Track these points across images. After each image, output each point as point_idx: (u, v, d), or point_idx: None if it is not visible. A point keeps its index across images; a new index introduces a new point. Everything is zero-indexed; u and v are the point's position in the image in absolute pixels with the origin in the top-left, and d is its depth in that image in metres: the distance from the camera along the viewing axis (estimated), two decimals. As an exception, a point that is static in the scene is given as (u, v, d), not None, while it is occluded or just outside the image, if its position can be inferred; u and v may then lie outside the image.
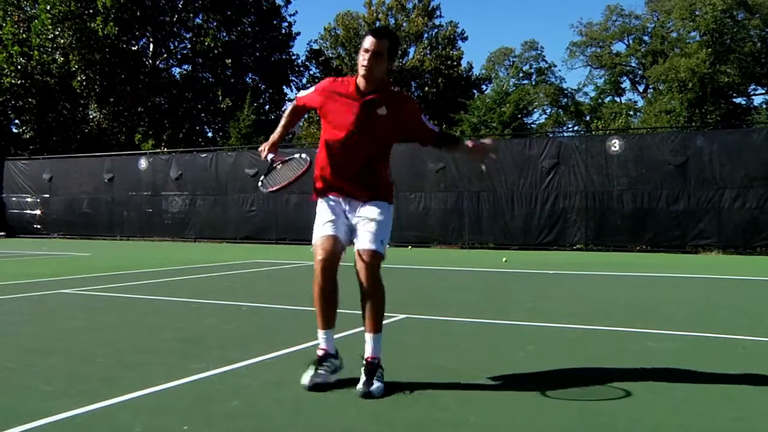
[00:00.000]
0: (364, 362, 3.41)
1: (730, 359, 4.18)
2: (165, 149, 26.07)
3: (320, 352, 3.54)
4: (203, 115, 33.90)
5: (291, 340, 4.67)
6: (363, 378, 3.36)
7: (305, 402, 3.25)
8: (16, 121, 31.12)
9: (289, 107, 3.87)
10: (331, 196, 3.57)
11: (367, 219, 3.47)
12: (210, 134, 34.37)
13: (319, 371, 3.46)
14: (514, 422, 2.98)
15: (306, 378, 3.44)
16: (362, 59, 3.40)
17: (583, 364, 4.05)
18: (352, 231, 3.53)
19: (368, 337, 3.46)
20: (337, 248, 3.46)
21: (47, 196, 22.10)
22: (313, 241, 3.52)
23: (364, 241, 3.43)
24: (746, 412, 3.10)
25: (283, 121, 3.85)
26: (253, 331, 5.25)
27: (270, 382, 3.65)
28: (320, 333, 3.58)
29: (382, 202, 3.53)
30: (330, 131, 3.54)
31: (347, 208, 3.54)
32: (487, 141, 3.70)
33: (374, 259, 3.40)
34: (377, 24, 39.41)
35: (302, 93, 3.76)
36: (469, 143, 3.65)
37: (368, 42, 3.38)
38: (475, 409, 3.13)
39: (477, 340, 4.80)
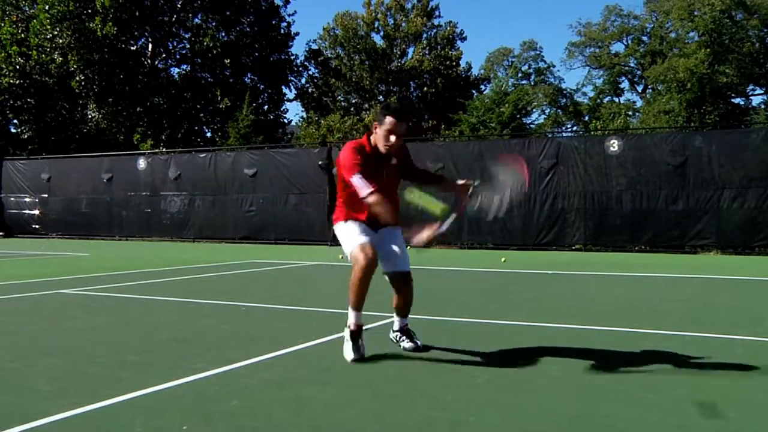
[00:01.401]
0: (400, 330, 4.35)
1: (730, 359, 4.18)
2: (164, 149, 26.05)
3: (355, 328, 4.08)
4: (202, 115, 33.88)
5: (290, 340, 4.67)
6: (406, 340, 4.30)
7: (305, 402, 3.26)
8: (15, 121, 31.09)
9: (371, 194, 4.00)
10: (358, 220, 4.19)
11: (393, 242, 4.22)
12: (209, 134, 34.36)
13: (361, 343, 4.08)
14: (514, 422, 2.98)
15: (350, 352, 4.03)
16: (386, 139, 4.04)
17: (582, 364, 4.05)
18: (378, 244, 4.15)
19: (399, 318, 4.36)
20: (374, 253, 4.01)
21: (46, 196, 22.08)
22: (354, 245, 4.02)
23: (402, 264, 4.22)
24: (746, 412, 3.10)
25: (382, 208, 4.05)
26: (253, 331, 5.25)
27: (270, 382, 3.65)
28: (354, 313, 4.09)
29: (399, 229, 4.29)
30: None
31: (371, 228, 4.21)
32: (464, 182, 4.49)
33: (411, 278, 4.28)
34: (376, 24, 39.42)
35: (360, 182, 4.00)
36: (450, 183, 4.53)
37: (393, 124, 4.01)
38: (475, 409, 3.13)
39: (477, 340, 4.80)
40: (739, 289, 8.23)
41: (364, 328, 4.20)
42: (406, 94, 38.19)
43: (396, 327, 4.39)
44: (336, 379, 3.57)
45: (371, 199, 3.93)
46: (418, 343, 4.32)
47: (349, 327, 4.11)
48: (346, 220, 4.22)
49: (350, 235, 4.11)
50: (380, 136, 4.05)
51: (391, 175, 4.26)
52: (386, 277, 4.26)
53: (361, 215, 4.18)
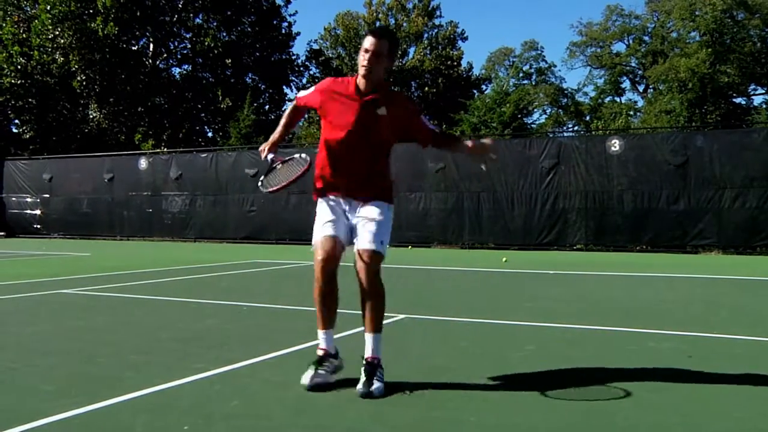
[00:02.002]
0: (364, 362, 3.42)
1: (730, 359, 4.18)
2: (165, 149, 26.07)
3: (320, 352, 3.55)
4: (203, 115, 33.89)
5: (291, 340, 4.67)
6: (363, 378, 3.36)
7: (305, 402, 3.26)
8: (16, 121, 31.11)
9: (289, 107, 3.88)
10: (331, 196, 3.57)
11: (367, 219, 3.47)
12: (210, 134, 34.37)
13: (319, 371, 3.47)
14: (514, 422, 2.98)
15: (306, 378, 3.45)
16: (362, 59, 3.41)
17: (582, 364, 4.05)
18: (352, 231, 3.52)
19: (368, 337, 3.46)
20: (337, 248, 3.47)
21: (47, 196, 22.09)
22: (314, 241, 3.52)
23: (364, 241, 3.43)
24: (746, 412, 3.10)
25: (283, 121, 3.86)
26: (253, 331, 5.25)
27: (270, 382, 3.65)
28: (320, 333, 3.59)
29: (382, 202, 3.53)
30: (330, 131, 3.54)
31: (347, 208, 3.55)
32: (486, 140, 3.69)
33: (374, 259, 3.41)
34: (377, 24, 39.41)
35: (302, 93, 3.77)
36: (469, 143, 3.64)
37: (368, 42, 3.39)
38: (475, 409, 3.13)
39: (477, 340, 4.80)
40: (740, 289, 8.23)
41: (334, 351, 3.56)
42: (407, 94, 38.17)
43: (365, 352, 3.46)
44: (336, 379, 3.57)
45: (292, 104, 3.66)
46: (374, 389, 3.31)
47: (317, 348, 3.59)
48: (318, 198, 3.64)
49: (315, 225, 3.57)
50: (358, 63, 3.46)
51: (374, 127, 3.48)
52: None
53: (334, 191, 3.56)
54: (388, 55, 3.44)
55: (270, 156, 3.73)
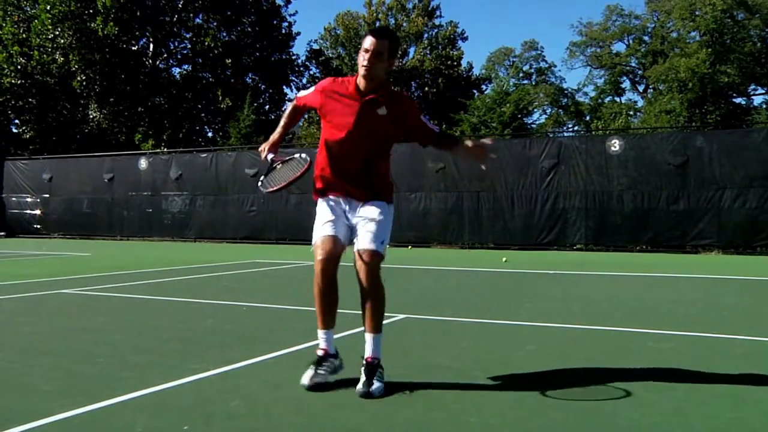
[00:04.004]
0: (364, 362, 3.42)
1: (730, 359, 4.18)
2: (165, 149, 26.09)
3: (320, 352, 3.54)
4: (203, 115, 33.90)
5: (291, 340, 4.67)
6: (363, 378, 3.36)
7: (305, 402, 3.25)
8: (16, 121, 31.14)
9: (289, 107, 3.88)
10: (331, 196, 3.58)
11: (366, 219, 3.48)
12: (210, 134, 34.38)
13: (319, 371, 3.47)
14: (514, 422, 2.98)
15: (306, 378, 3.45)
16: (362, 59, 3.41)
17: (583, 364, 4.05)
18: (352, 231, 3.52)
19: (368, 337, 3.46)
20: (336, 248, 3.46)
21: (47, 196, 22.09)
22: (313, 241, 3.52)
23: (363, 241, 3.43)
24: (746, 412, 3.10)
25: (282, 121, 3.86)
26: (253, 331, 5.25)
27: (270, 382, 3.64)
28: (320, 333, 3.58)
29: (381, 202, 3.54)
30: (330, 131, 3.54)
31: (347, 208, 3.55)
32: (487, 141, 3.69)
33: (374, 259, 3.40)
34: (377, 24, 39.40)
35: (302, 93, 3.77)
36: (469, 143, 3.64)
37: (368, 42, 3.39)
38: (475, 409, 3.13)
39: (477, 340, 4.80)
40: (740, 289, 8.23)
41: (334, 351, 3.55)
42: (407, 94, 38.17)
43: (365, 353, 3.46)
44: (336, 379, 3.57)
45: (292, 103, 3.69)
46: (373, 389, 3.31)
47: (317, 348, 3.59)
48: (318, 198, 3.65)
49: (315, 225, 3.56)
50: (358, 63, 3.46)
51: (374, 127, 3.49)
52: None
53: (334, 191, 3.57)
54: (388, 54, 3.42)
55: (270, 156, 3.74)
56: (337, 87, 3.54)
